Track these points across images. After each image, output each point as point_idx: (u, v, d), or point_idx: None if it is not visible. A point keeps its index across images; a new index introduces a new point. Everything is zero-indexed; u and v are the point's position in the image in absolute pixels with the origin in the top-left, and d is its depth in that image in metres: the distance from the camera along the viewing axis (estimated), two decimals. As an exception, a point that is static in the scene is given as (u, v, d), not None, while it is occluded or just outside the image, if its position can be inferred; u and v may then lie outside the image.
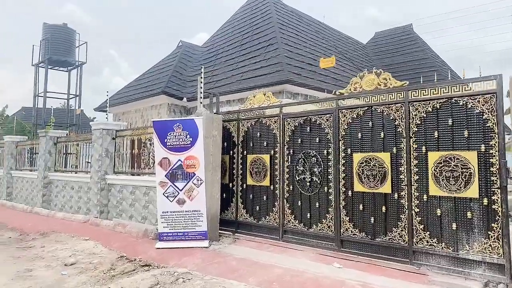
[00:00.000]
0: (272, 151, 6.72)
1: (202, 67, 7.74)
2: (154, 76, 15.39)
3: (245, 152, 7.20)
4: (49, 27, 18.79)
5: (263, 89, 10.96)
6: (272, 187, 6.67)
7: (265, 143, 6.85)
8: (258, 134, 6.99)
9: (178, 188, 6.87)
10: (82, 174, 10.61)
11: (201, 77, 7.47)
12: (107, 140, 9.59)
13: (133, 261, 6.21)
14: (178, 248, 6.63)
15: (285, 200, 6.45)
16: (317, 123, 6.12)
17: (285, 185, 6.47)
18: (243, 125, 7.30)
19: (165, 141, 6.94)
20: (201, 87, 7.42)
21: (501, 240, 4.30)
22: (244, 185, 7.14)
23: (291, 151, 6.44)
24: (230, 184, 7.40)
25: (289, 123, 6.51)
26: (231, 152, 7.45)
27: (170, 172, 6.90)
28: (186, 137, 6.89)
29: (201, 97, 7.39)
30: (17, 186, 14.07)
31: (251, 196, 7.02)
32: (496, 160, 4.37)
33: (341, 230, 5.66)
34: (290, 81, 10.39)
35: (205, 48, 17.35)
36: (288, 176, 6.46)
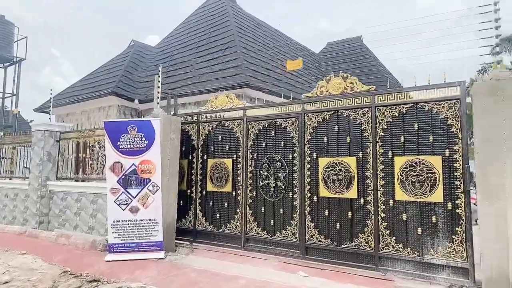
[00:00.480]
0: (235, 156, 6.44)
1: (160, 66, 7.27)
2: (103, 76, 14.45)
3: (205, 156, 6.83)
4: (-18, 18, 16.93)
5: (221, 92, 10.68)
6: (234, 193, 6.36)
7: (227, 147, 6.55)
8: (220, 137, 6.67)
9: (131, 195, 6.32)
10: (18, 181, 9.55)
11: (159, 76, 7.01)
12: (50, 142, 8.71)
13: (79, 276, 5.57)
14: (130, 260, 6.08)
15: (247, 206, 6.18)
16: (282, 126, 5.94)
17: (248, 191, 6.20)
18: (203, 128, 6.94)
19: (118, 144, 6.38)
20: (158, 87, 6.95)
21: (464, 244, 4.36)
22: (204, 192, 6.76)
23: (255, 156, 6.20)
24: (188, 191, 6.98)
25: (253, 127, 6.27)
26: (190, 156, 7.05)
27: (123, 177, 6.35)
28: (142, 140, 6.39)
29: (158, 97, 6.92)
30: None
31: (211, 203, 6.65)
32: (460, 165, 4.45)
33: (306, 237, 5.50)
34: (249, 85, 10.19)
35: (158, 49, 16.66)
36: (251, 181, 6.20)
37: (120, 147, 6.38)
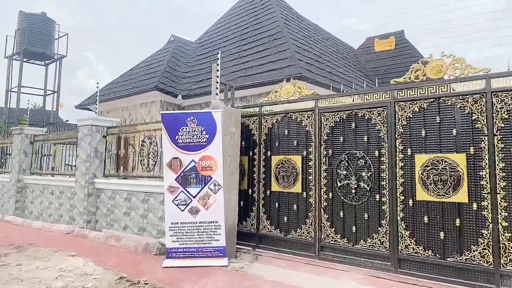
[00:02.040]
0: (305, 152, 5.69)
1: (219, 53, 6.63)
2: (144, 72, 14.11)
3: (268, 152, 6.14)
4: (25, 15, 16.90)
5: (272, 85, 9.97)
6: (304, 194, 5.62)
7: (295, 142, 5.82)
8: (286, 131, 5.95)
9: (191, 195, 5.72)
10: (65, 178, 9.21)
11: (217, 64, 6.39)
12: (97, 138, 8.30)
13: (137, 284, 5.01)
14: (190, 267, 5.48)
15: (322, 210, 5.42)
16: (366, 118, 5.14)
17: (322, 192, 5.44)
18: (266, 121, 6.24)
19: (176, 138, 5.80)
20: (217, 76, 6.32)
21: None
22: (268, 192, 6.07)
23: (330, 152, 5.43)
24: (250, 191, 6.31)
25: (327, 119, 5.51)
26: (251, 152, 6.37)
27: (182, 175, 5.75)
28: (202, 134, 5.77)
29: (217, 88, 6.29)
30: (-16, 190, 12.39)
31: (276, 204, 5.95)
32: None
33: (399, 247, 4.68)
34: (304, 77, 9.44)
35: (198, 44, 16.21)
36: (326, 181, 5.44)
37: (179, 141, 5.79)
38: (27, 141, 10.61)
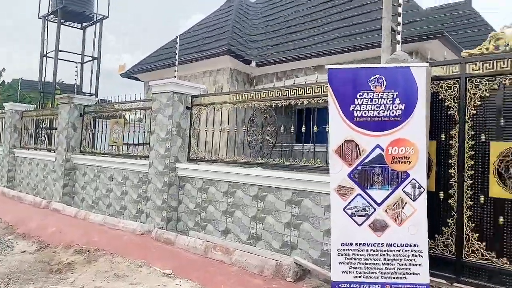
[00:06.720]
0: None
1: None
2: (204, 35, 11.88)
3: (482, 136, 3.92)
4: (61, -30, 14.72)
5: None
6: None
7: (545, 121, 3.59)
8: (524, 103, 3.71)
9: (374, 201, 3.59)
10: (128, 160, 7.21)
11: (399, -3, 4.13)
12: (180, 109, 6.21)
13: None
14: (376, 316, 3.43)
15: None
16: None
17: None
18: (476, 86, 4.00)
19: (352, 108, 3.63)
20: (399, 14, 4.07)
21: None
22: (481, 198, 3.88)
23: None
24: (441, 194, 4.13)
25: None
26: (443, 135, 4.17)
27: (359, 168, 3.61)
28: (394, 103, 3.59)
29: (398, 33, 4.05)
30: (23, 169, 10.64)
31: (500, 219, 3.77)
32: None
33: None
34: (441, 34, 7.12)
35: (261, 4, 13.86)
36: None
37: (355, 114, 3.62)
38: (76, 113, 8.64)
